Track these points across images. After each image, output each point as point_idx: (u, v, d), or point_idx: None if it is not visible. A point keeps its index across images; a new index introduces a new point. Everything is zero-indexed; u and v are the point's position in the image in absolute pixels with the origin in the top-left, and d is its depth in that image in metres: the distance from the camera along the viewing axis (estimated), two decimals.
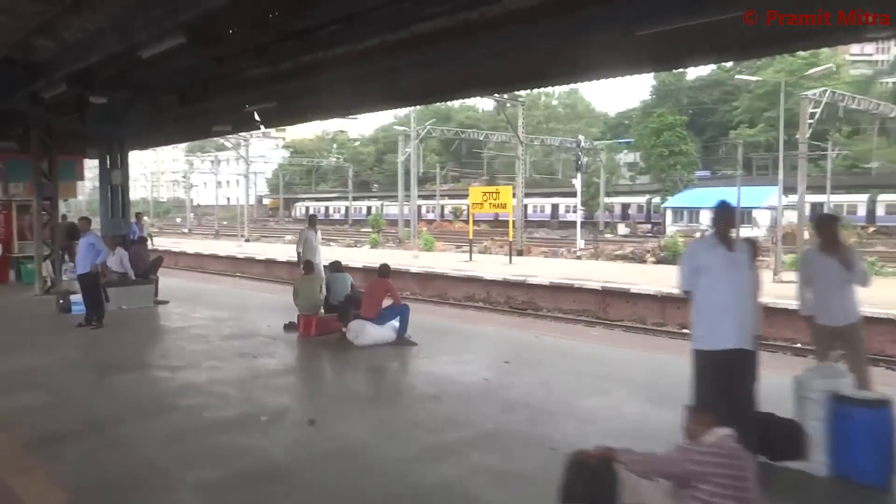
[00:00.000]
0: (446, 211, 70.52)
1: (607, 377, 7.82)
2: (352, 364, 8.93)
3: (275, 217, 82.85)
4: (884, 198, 51.42)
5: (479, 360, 8.78)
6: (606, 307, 19.82)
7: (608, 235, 52.08)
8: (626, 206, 62.41)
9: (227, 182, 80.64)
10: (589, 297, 20.29)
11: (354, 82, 11.75)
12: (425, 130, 46.37)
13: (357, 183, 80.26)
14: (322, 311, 10.57)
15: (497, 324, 13.32)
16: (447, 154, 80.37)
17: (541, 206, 64.32)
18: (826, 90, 33.15)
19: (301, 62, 10.78)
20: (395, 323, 9.60)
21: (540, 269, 24.15)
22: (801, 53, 67.42)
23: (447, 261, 26.93)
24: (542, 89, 65.74)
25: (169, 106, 13.42)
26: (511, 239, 27.12)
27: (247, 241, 41.33)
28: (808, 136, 33.96)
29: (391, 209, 68.17)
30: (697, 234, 44.43)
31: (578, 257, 31.91)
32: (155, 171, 74.77)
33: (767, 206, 52.52)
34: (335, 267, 10.90)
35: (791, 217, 53.30)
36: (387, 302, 9.73)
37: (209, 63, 11.50)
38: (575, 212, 64.89)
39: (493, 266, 25.11)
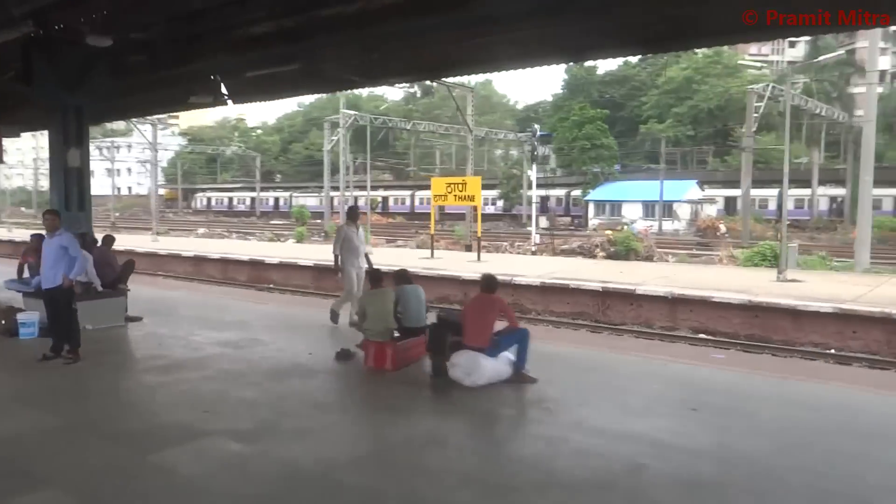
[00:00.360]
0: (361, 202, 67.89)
1: (853, 433, 5.78)
2: (492, 419, 6.38)
3: (173, 209, 76.98)
4: (793, 192, 53.32)
5: (651, 407, 6.45)
6: (606, 309, 18.16)
7: (529, 229, 51.10)
8: (545, 199, 61.83)
9: (119, 171, 74.00)
10: (585, 299, 18.55)
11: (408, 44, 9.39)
12: (351, 119, 43.54)
13: (261, 173, 76.08)
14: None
15: (569, 342, 10.89)
16: (357, 144, 77.50)
17: None
18: (769, 85, 33.05)
19: (325, 16, 8.48)
20: (509, 354, 7.30)
21: (509, 266, 22.11)
22: (705, 51, 69.70)
23: (407, 258, 24.44)
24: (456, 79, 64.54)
25: (140, 69, 10.45)
26: (479, 234, 24.97)
27: (158, 234, 37.13)
28: (753, 129, 34.03)
29: (299, 200, 64.97)
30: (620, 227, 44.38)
31: (534, 252, 30.27)
32: (37, 157, 67.32)
33: (687, 199, 53.34)
34: (402, 277, 8.27)
35: (709, 210, 54.67)
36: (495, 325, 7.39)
37: (218, 9, 8.83)
38: (494, 204, 64.00)
39: (461, 264, 22.90)
